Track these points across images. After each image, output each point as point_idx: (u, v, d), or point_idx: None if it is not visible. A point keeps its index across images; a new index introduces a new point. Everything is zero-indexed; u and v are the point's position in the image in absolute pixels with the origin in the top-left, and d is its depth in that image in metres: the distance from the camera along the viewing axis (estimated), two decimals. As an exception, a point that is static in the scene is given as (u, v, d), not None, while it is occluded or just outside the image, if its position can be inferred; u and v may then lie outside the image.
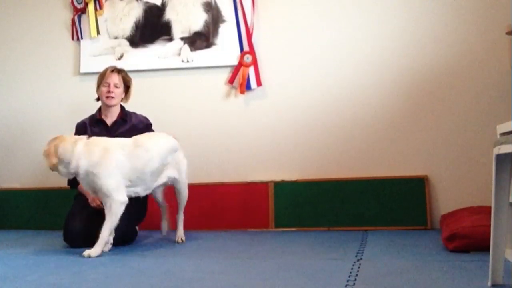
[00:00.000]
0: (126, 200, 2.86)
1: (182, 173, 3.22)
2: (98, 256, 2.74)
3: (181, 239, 3.23)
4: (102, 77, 3.35)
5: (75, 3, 4.22)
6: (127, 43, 4.13)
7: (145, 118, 3.48)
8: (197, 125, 3.97)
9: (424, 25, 3.67)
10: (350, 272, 2.18)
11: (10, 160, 4.31)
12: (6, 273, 2.38)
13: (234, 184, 3.85)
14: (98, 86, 3.36)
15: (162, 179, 3.11)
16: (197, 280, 2.16)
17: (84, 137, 2.97)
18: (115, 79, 3.34)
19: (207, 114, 3.97)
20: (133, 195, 2.98)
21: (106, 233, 2.81)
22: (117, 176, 2.85)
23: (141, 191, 3.02)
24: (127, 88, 3.42)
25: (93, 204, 3.16)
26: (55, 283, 2.15)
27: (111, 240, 2.96)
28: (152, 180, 3.04)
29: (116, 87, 3.33)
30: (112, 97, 3.32)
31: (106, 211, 2.84)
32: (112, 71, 3.36)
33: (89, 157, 2.83)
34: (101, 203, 3.13)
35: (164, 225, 3.39)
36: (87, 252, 2.76)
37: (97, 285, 2.09)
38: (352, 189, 3.66)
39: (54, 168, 2.86)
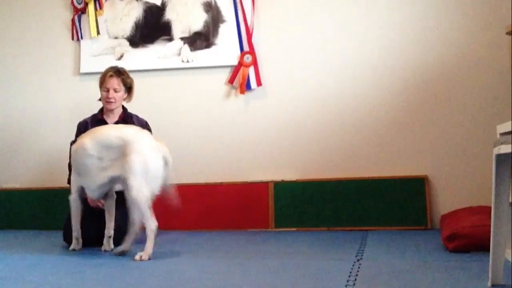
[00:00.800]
0: (73, 197, 2.99)
1: (129, 173, 2.67)
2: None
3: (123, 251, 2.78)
4: (101, 81, 3.32)
5: (75, 3, 4.22)
6: (127, 43, 4.13)
7: (146, 122, 3.47)
8: (197, 125, 3.97)
9: (424, 26, 3.67)
10: (350, 272, 2.18)
11: (10, 160, 4.31)
12: (6, 273, 2.38)
13: (234, 184, 3.85)
14: (100, 87, 3.35)
15: (102, 178, 2.80)
16: (197, 280, 2.16)
17: None
18: (114, 83, 3.29)
19: (207, 114, 3.97)
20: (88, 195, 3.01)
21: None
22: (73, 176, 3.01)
23: (90, 193, 2.94)
24: (129, 88, 3.40)
25: (92, 204, 3.16)
26: (55, 283, 2.15)
27: (111, 243, 2.97)
28: (91, 180, 2.84)
29: (116, 91, 3.29)
30: (112, 102, 3.30)
31: None
32: (111, 75, 3.29)
33: None
34: (101, 204, 3.14)
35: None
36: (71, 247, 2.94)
37: (97, 285, 2.09)
38: (352, 189, 3.66)
39: None
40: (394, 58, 3.70)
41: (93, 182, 2.83)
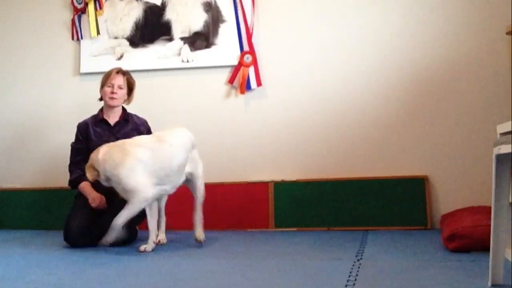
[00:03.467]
0: (150, 196, 2.85)
1: (199, 168, 3.15)
2: (111, 243, 2.86)
3: (201, 239, 3.05)
4: (106, 78, 3.35)
5: (75, 3, 4.22)
6: (127, 43, 4.13)
7: (146, 121, 3.50)
8: (197, 125, 3.96)
9: (424, 26, 3.67)
10: (350, 272, 2.18)
11: (10, 160, 4.30)
12: (6, 273, 2.38)
13: (234, 184, 3.85)
14: (102, 86, 3.37)
15: (184, 175, 3.07)
16: (197, 280, 2.16)
17: (109, 144, 2.99)
18: (120, 80, 3.35)
19: (207, 114, 3.97)
20: (163, 193, 3.01)
21: (120, 221, 2.82)
22: (140, 174, 2.83)
23: (169, 189, 3.02)
24: (130, 90, 3.44)
25: (93, 204, 3.17)
26: (55, 283, 2.15)
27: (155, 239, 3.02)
28: (178, 176, 3.01)
29: (120, 88, 3.35)
30: (115, 98, 3.33)
31: (128, 203, 2.85)
32: (118, 72, 3.37)
33: (110, 160, 2.85)
34: (101, 203, 3.15)
35: (160, 235, 3.17)
36: (103, 239, 2.87)
37: (97, 285, 2.09)
38: (352, 189, 3.66)
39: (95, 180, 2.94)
40: (394, 58, 3.70)
41: (179, 180, 3.04)
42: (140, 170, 2.83)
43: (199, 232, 3.07)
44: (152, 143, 2.94)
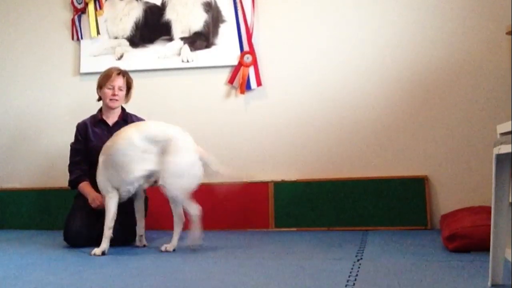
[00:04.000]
0: (112, 195, 2.89)
1: (166, 170, 2.83)
2: (103, 252, 2.82)
3: (166, 248, 2.89)
4: (106, 79, 3.32)
5: (75, 3, 4.23)
6: (127, 43, 4.13)
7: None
8: (197, 125, 3.96)
9: (424, 26, 3.67)
10: (350, 272, 2.18)
11: (10, 160, 4.31)
12: (6, 273, 2.38)
13: (234, 184, 3.84)
14: (101, 87, 3.35)
15: (141, 172, 2.87)
16: (197, 280, 2.16)
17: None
18: (120, 81, 3.32)
19: (207, 114, 3.97)
20: (128, 194, 2.98)
21: (105, 229, 2.87)
22: (102, 176, 2.94)
23: (131, 190, 2.94)
24: (128, 89, 3.42)
25: (93, 205, 3.16)
26: (55, 283, 2.15)
27: (144, 240, 3.11)
28: (124, 175, 2.87)
29: (120, 89, 3.32)
30: (116, 100, 3.32)
31: None
32: (118, 73, 3.33)
33: None
34: (101, 203, 3.15)
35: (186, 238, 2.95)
36: (94, 250, 2.83)
37: (97, 285, 2.09)
38: (352, 189, 3.66)
39: None
40: (394, 58, 3.71)
41: (132, 176, 2.87)
42: (102, 171, 2.95)
43: (191, 237, 2.90)
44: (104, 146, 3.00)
